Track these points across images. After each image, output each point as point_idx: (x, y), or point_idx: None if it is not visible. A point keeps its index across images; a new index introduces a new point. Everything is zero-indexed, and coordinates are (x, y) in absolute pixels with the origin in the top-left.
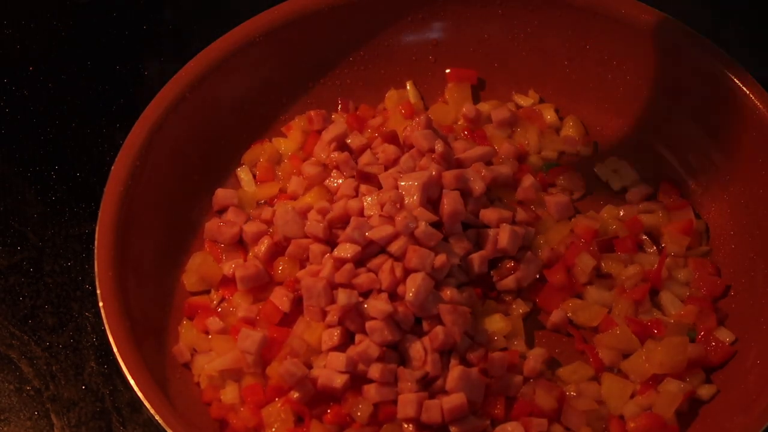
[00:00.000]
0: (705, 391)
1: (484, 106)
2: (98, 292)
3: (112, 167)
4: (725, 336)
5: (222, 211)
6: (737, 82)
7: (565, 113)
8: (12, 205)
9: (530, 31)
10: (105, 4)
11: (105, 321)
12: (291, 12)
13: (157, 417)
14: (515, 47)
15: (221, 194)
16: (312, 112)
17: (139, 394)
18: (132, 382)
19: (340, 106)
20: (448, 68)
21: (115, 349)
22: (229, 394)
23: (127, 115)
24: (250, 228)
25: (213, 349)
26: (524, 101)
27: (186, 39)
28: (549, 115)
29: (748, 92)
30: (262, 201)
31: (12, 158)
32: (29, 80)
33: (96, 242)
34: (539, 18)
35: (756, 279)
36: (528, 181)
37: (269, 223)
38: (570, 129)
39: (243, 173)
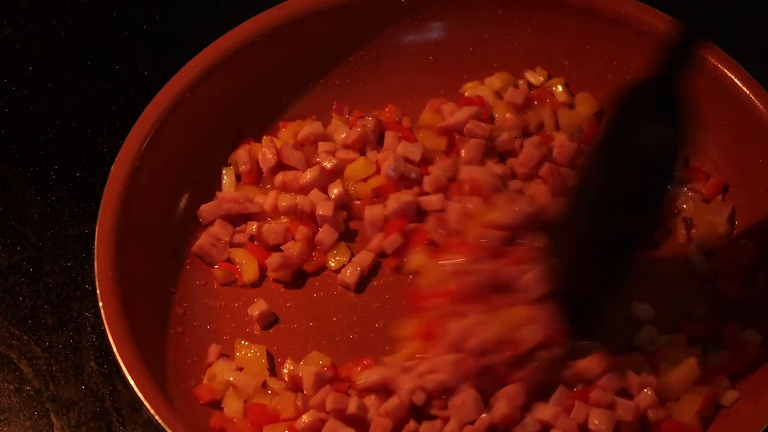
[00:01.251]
0: (727, 398)
1: (495, 82)
2: (98, 292)
3: (112, 167)
4: (752, 338)
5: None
6: (737, 82)
7: None
8: (12, 205)
9: (530, 32)
10: (105, 4)
11: (105, 321)
12: (291, 12)
13: (157, 417)
14: (515, 48)
15: (206, 210)
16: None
17: (139, 394)
18: (132, 382)
19: (334, 106)
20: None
21: (115, 349)
22: (233, 407)
23: (127, 115)
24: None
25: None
26: (535, 79)
27: (186, 39)
28: (560, 95)
29: (748, 92)
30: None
31: (12, 158)
32: (29, 80)
33: (96, 242)
34: (539, 18)
35: (756, 280)
36: (563, 141)
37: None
38: (583, 106)
39: (227, 174)
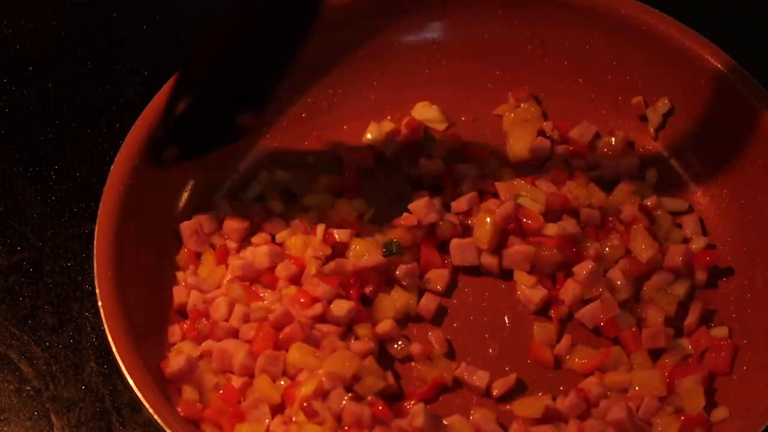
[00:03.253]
0: (717, 415)
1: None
2: (98, 292)
3: (112, 167)
4: (721, 333)
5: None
6: (737, 82)
7: (562, 114)
8: (12, 205)
9: (530, 32)
10: (105, 4)
11: (104, 321)
12: None
13: (156, 417)
14: (515, 48)
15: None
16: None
17: (139, 394)
18: (131, 382)
19: None
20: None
21: (114, 349)
22: (189, 393)
23: (127, 115)
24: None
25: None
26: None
27: (186, 39)
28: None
29: (747, 92)
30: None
31: (12, 158)
32: (29, 80)
33: (95, 242)
34: (539, 18)
35: (755, 280)
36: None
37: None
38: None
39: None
